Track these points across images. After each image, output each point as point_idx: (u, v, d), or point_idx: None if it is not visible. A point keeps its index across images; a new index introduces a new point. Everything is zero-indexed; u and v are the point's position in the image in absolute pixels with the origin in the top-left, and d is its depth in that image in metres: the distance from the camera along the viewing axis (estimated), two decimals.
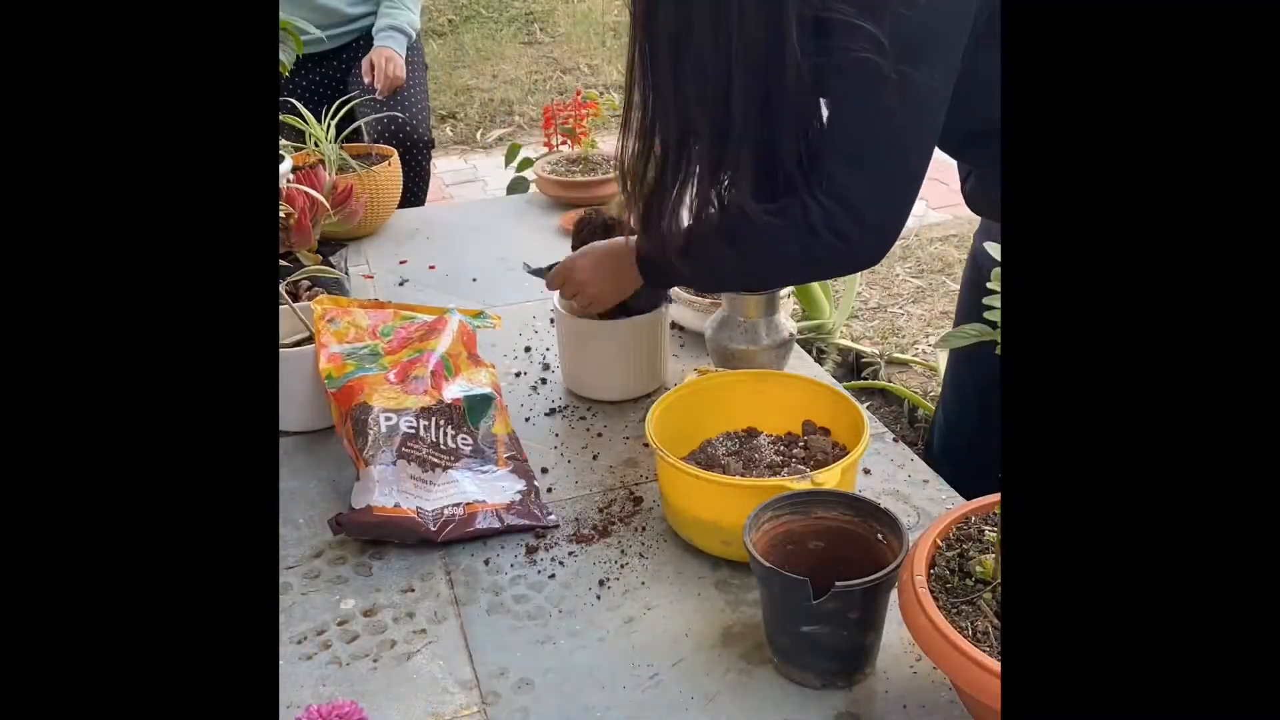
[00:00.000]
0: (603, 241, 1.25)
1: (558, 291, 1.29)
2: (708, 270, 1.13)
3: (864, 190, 0.99)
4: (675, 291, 1.43)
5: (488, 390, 1.16)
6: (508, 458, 1.12)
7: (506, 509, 1.07)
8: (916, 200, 1.02)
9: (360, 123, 1.94)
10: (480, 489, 1.08)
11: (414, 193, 2.35)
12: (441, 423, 1.10)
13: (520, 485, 1.10)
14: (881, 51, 0.91)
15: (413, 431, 1.08)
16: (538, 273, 1.33)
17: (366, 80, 2.26)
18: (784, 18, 0.93)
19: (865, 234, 1.01)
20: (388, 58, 2.26)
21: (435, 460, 1.08)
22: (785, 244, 1.03)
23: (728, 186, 1.04)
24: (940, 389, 1.95)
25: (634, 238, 1.17)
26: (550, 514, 1.08)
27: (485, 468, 1.10)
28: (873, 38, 0.91)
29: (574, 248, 1.33)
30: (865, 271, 2.86)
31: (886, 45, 0.91)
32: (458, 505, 1.05)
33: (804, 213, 1.01)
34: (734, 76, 0.96)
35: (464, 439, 1.10)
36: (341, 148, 1.86)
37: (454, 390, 1.14)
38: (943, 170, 1.26)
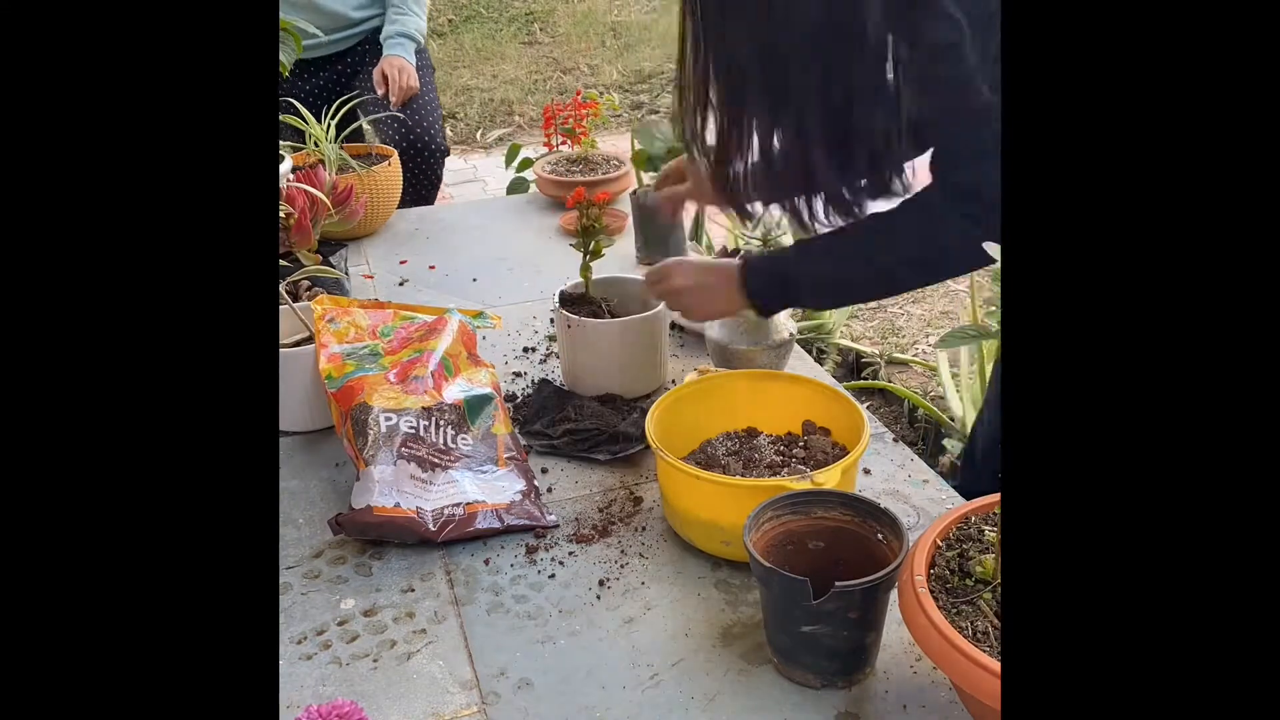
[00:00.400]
0: (709, 260, 1.22)
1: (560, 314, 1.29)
2: (838, 271, 1.11)
3: (978, 175, 0.99)
4: None
5: (487, 390, 1.16)
6: (508, 458, 1.12)
7: (507, 509, 1.07)
8: None
9: (363, 121, 1.94)
10: (480, 489, 1.08)
11: (424, 198, 2.34)
12: (442, 423, 1.10)
13: (520, 485, 1.10)
14: (961, 31, 0.93)
15: (413, 431, 1.08)
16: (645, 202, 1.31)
17: (380, 91, 2.26)
18: None
19: (988, 212, 1.00)
20: (400, 68, 2.25)
21: (435, 460, 1.08)
22: (929, 233, 1.04)
23: (810, 159, 1.04)
24: (981, 389, 1.94)
25: (735, 259, 1.17)
26: (550, 514, 1.08)
27: (485, 468, 1.10)
28: (954, 20, 0.93)
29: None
30: None
31: (965, 27, 0.93)
32: (458, 505, 1.05)
33: (930, 204, 1.03)
34: (787, 45, 0.97)
35: (464, 439, 1.10)
36: (341, 148, 1.86)
37: (454, 390, 1.14)
38: None
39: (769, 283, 1.15)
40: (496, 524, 1.05)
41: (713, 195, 1.19)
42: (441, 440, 1.09)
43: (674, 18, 1.06)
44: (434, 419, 1.10)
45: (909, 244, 1.06)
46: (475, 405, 1.13)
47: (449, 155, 2.40)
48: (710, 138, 1.08)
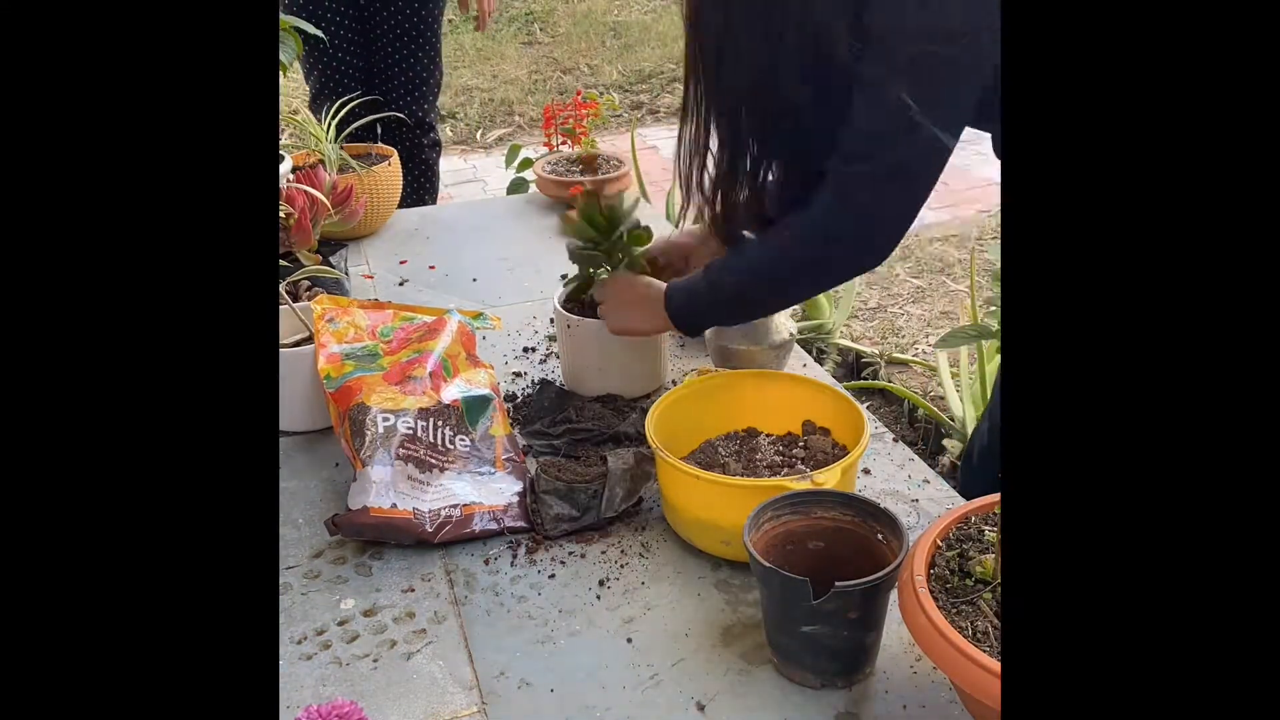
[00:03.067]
0: (638, 278, 1.22)
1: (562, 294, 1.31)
2: (738, 289, 1.11)
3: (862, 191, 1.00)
4: None
5: (486, 391, 1.15)
6: (505, 459, 1.12)
7: (504, 510, 1.07)
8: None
9: (363, 120, 1.93)
10: (477, 491, 1.08)
11: (423, 191, 2.33)
12: (439, 424, 1.10)
13: (518, 487, 1.10)
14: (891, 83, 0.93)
15: (410, 432, 1.08)
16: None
17: (463, 13, 2.25)
18: (835, 27, 0.94)
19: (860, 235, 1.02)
20: None
21: (432, 461, 1.07)
22: (798, 247, 1.05)
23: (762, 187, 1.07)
24: (981, 389, 1.94)
25: (664, 283, 1.17)
26: None
27: (483, 469, 1.10)
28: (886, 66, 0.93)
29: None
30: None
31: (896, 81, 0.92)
32: (454, 506, 1.05)
33: (809, 215, 1.02)
34: (780, 81, 0.99)
35: (462, 440, 1.10)
36: (342, 148, 1.86)
37: (452, 391, 1.14)
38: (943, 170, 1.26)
39: (685, 301, 1.14)
40: (493, 525, 1.05)
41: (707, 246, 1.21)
42: (439, 441, 1.09)
43: (674, 21, 1.08)
44: (431, 420, 1.10)
45: (793, 248, 1.06)
46: (473, 406, 1.13)
47: (435, 130, 2.36)
48: (710, 173, 1.09)
